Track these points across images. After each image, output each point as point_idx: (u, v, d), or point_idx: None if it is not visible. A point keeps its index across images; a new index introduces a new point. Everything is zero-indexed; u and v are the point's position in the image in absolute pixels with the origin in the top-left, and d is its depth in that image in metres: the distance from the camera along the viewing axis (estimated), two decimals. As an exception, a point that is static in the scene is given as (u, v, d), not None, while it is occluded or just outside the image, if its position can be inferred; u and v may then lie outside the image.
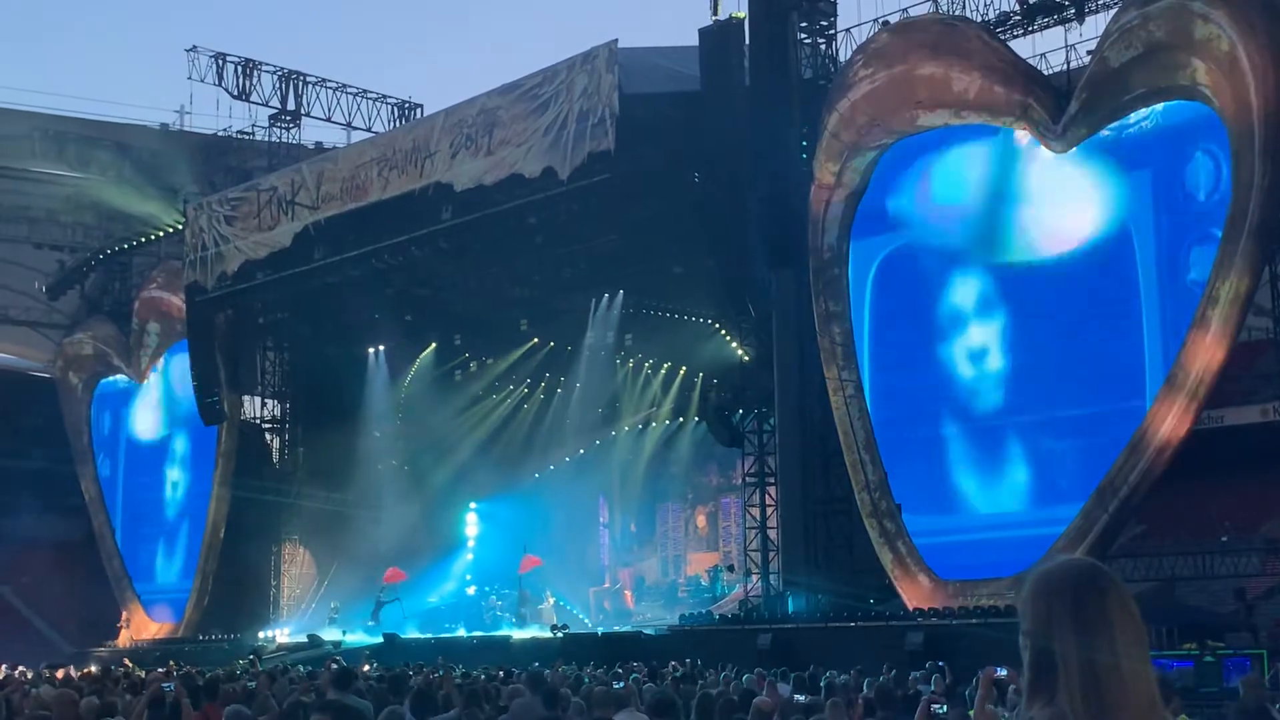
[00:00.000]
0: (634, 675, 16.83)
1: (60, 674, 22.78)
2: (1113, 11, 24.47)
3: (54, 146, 51.30)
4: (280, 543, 39.97)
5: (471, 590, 38.12)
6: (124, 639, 40.85)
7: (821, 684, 15.20)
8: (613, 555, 40.90)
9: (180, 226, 40.34)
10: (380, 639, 31.92)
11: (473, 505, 40.25)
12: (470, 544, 40.29)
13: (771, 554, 28.83)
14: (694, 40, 28.23)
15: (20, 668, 25.28)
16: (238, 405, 39.90)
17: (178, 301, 39.43)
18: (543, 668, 18.10)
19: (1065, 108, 23.60)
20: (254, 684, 16.15)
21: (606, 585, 38.96)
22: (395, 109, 43.05)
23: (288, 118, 41.48)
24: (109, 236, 46.52)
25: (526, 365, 38.94)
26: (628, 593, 38.55)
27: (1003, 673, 9.25)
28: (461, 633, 33.34)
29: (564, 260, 32.78)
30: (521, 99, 29.97)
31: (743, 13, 27.96)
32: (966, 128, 25.57)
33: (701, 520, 39.47)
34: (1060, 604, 2.54)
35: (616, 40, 28.42)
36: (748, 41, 28.06)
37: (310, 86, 41.64)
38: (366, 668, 22.15)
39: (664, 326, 35.68)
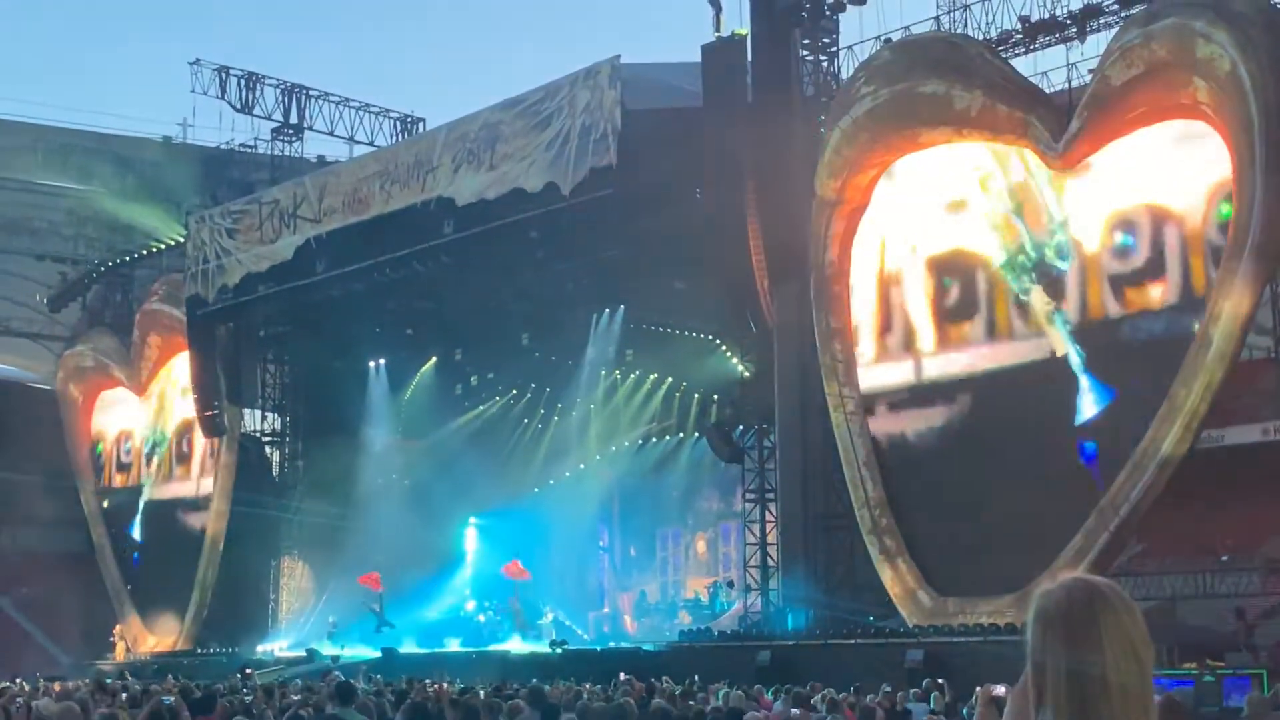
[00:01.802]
0: (624, 691, 16.80)
1: (58, 687, 22.73)
2: (1114, 30, 24.52)
3: (57, 159, 51.45)
4: (279, 556, 39.97)
5: (470, 605, 38.09)
6: (120, 652, 40.81)
7: (817, 701, 15.17)
8: (612, 580, 40.78)
9: (182, 239, 40.42)
10: (379, 653, 31.89)
11: (472, 520, 40.24)
12: (469, 558, 40.28)
13: (771, 570, 28.81)
14: (697, 56, 28.32)
15: (19, 679, 25.21)
16: (238, 418, 39.90)
17: (179, 314, 39.44)
18: (542, 683, 18.08)
19: (1067, 126, 23.62)
20: (250, 698, 16.14)
21: (606, 610, 38.84)
22: (397, 123, 43.12)
23: (290, 131, 41.55)
24: (111, 249, 46.60)
25: (527, 379, 38.96)
26: (627, 617, 38.39)
27: (1002, 690, 9.23)
28: (456, 645, 33.30)
29: (565, 275, 32.83)
30: (524, 114, 30.05)
31: (745, 29, 28.07)
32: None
33: (701, 546, 39.29)
34: (1052, 626, 2.58)
35: (619, 56, 28.54)
36: (750, 58, 28.15)
37: (313, 100, 41.74)
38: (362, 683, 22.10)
39: (665, 341, 35.70)
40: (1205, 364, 21.37)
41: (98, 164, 50.44)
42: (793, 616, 27.44)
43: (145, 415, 42.92)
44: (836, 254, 27.04)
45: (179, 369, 40.82)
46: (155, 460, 42.46)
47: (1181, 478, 22.12)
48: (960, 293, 25.66)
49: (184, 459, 41.33)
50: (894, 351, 26.49)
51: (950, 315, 25.86)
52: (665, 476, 38.64)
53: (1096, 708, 2.51)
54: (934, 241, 25.99)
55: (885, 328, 26.64)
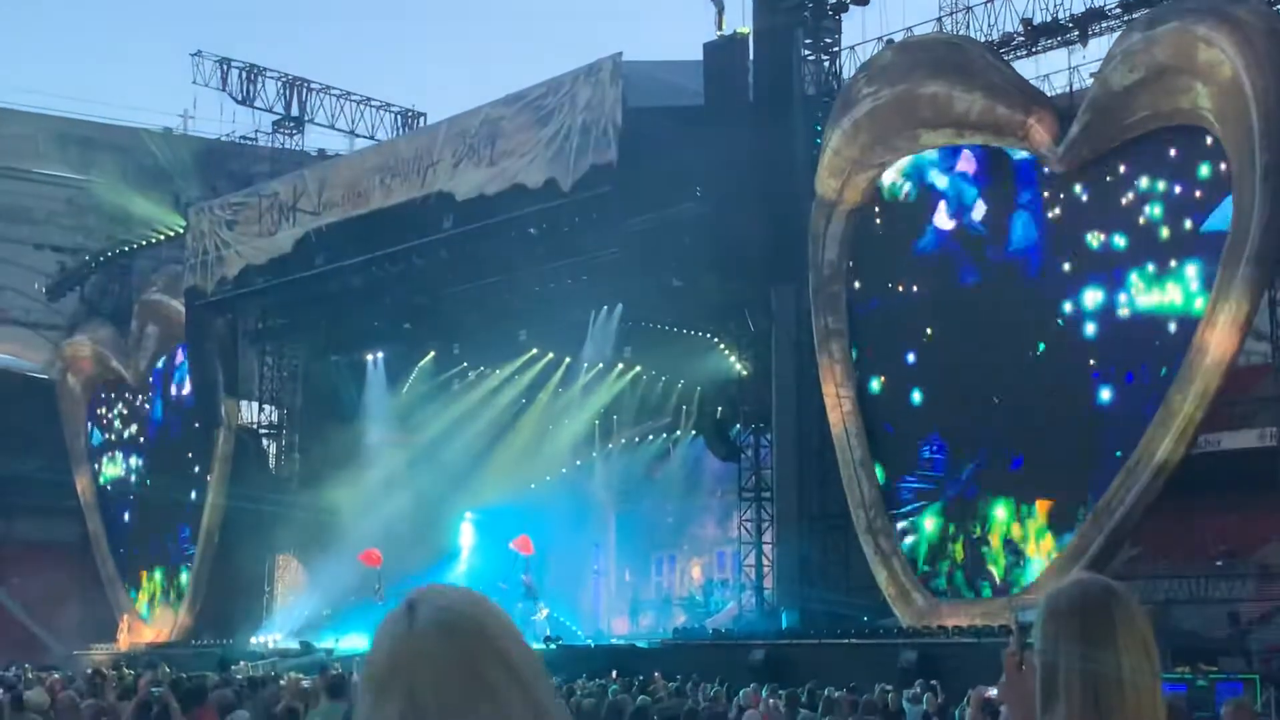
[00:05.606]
0: (613, 687, 16.80)
1: (48, 679, 22.66)
2: (1116, 34, 24.51)
3: (57, 148, 51.40)
4: (275, 548, 39.90)
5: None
6: (125, 641, 40.85)
7: (811, 697, 15.16)
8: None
9: (181, 230, 40.39)
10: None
11: (468, 515, 40.14)
12: (465, 554, 40.18)
13: (766, 569, 28.80)
14: (698, 55, 28.31)
15: (13, 668, 25.17)
16: (235, 410, 39.88)
17: (177, 305, 39.41)
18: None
19: (1067, 129, 23.61)
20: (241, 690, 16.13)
21: None
22: (398, 117, 43.10)
23: (291, 124, 41.53)
24: (110, 239, 46.53)
25: (525, 376, 38.87)
26: None
27: (994, 692, 9.20)
28: None
29: (564, 271, 32.77)
30: (525, 110, 30.02)
31: (747, 28, 28.06)
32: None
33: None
34: (1066, 622, 2.56)
35: (621, 53, 28.53)
36: (752, 57, 28.13)
37: (314, 93, 41.72)
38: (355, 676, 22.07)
39: (663, 339, 35.56)
40: (1202, 370, 21.38)
41: (98, 154, 50.41)
42: (787, 615, 27.43)
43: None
44: (835, 254, 27.05)
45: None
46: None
47: (1177, 482, 22.13)
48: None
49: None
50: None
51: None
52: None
53: (1110, 707, 2.48)
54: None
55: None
